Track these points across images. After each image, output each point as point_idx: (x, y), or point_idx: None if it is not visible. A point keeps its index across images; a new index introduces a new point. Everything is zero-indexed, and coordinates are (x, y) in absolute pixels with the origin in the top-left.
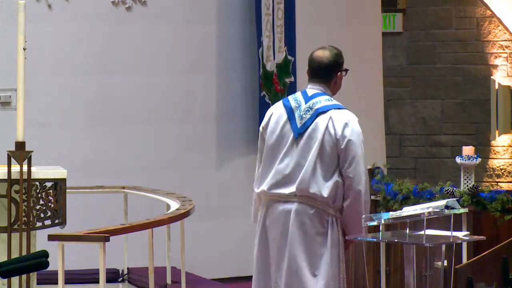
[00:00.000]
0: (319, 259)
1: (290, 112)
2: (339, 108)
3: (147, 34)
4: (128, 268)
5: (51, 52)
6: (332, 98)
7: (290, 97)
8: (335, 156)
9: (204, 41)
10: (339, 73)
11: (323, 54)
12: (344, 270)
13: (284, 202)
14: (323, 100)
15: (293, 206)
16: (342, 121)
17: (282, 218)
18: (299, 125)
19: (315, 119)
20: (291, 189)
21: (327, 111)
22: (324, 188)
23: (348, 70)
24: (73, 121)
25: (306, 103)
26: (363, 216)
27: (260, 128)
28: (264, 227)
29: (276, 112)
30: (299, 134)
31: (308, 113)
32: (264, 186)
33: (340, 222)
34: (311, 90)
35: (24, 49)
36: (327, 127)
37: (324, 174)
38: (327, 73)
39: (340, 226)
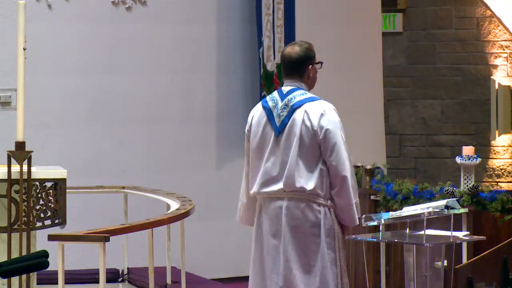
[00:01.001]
0: (315, 250)
1: (269, 112)
2: (313, 100)
3: (147, 34)
4: (128, 268)
5: (51, 52)
6: (307, 92)
7: (267, 98)
8: (316, 148)
9: (204, 41)
10: (310, 66)
11: (292, 50)
12: (342, 258)
13: (276, 199)
14: (298, 95)
15: (284, 203)
16: (318, 112)
17: (275, 215)
18: (278, 124)
19: (291, 115)
20: (279, 185)
21: (301, 105)
22: (310, 180)
23: (322, 62)
24: (73, 121)
25: (282, 101)
26: (355, 200)
27: (246, 131)
28: (260, 226)
29: (257, 114)
30: (279, 133)
31: (285, 110)
32: (255, 188)
33: (334, 211)
34: (286, 87)
35: (24, 49)
36: (303, 120)
37: (307, 167)
38: (299, 67)
39: (334, 215)
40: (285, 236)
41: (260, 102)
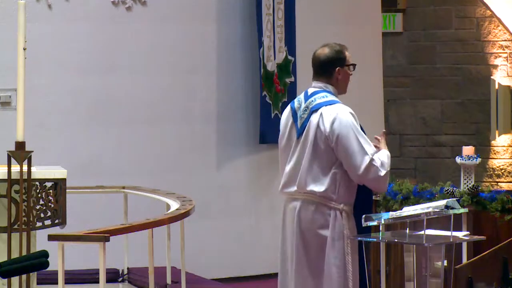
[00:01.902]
0: (321, 253)
1: (294, 113)
2: (331, 104)
3: (147, 34)
4: (128, 268)
5: (51, 52)
6: (328, 95)
7: (296, 99)
8: (330, 152)
9: (204, 41)
10: (338, 68)
11: (322, 51)
12: (353, 262)
13: (292, 199)
14: (318, 98)
15: (298, 204)
16: (331, 117)
17: (291, 216)
18: (299, 126)
19: (310, 118)
20: (294, 187)
21: (319, 108)
22: (321, 184)
23: (354, 64)
24: (73, 121)
25: (305, 103)
26: (384, 172)
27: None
28: (284, 226)
29: (285, 115)
30: (299, 135)
31: (305, 113)
32: (280, 187)
33: (348, 214)
34: (312, 88)
35: (24, 49)
36: (318, 124)
37: (321, 170)
38: (326, 69)
39: (346, 219)
40: (297, 237)
41: (290, 103)
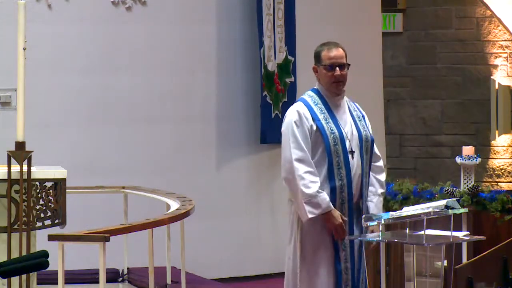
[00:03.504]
0: (287, 246)
1: None
2: (295, 102)
3: (147, 34)
4: (128, 268)
5: (51, 52)
6: (305, 93)
7: None
8: None
9: (204, 41)
10: (313, 66)
11: None
12: (300, 253)
13: None
14: None
15: None
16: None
17: None
18: None
19: None
20: None
21: None
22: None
23: (324, 65)
24: (73, 121)
25: None
26: (304, 193)
27: None
28: None
29: None
30: None
31: None
32: None
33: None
34: None
35: (24, 49)
36: None
37: None
38: None
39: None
40: None
41: None
